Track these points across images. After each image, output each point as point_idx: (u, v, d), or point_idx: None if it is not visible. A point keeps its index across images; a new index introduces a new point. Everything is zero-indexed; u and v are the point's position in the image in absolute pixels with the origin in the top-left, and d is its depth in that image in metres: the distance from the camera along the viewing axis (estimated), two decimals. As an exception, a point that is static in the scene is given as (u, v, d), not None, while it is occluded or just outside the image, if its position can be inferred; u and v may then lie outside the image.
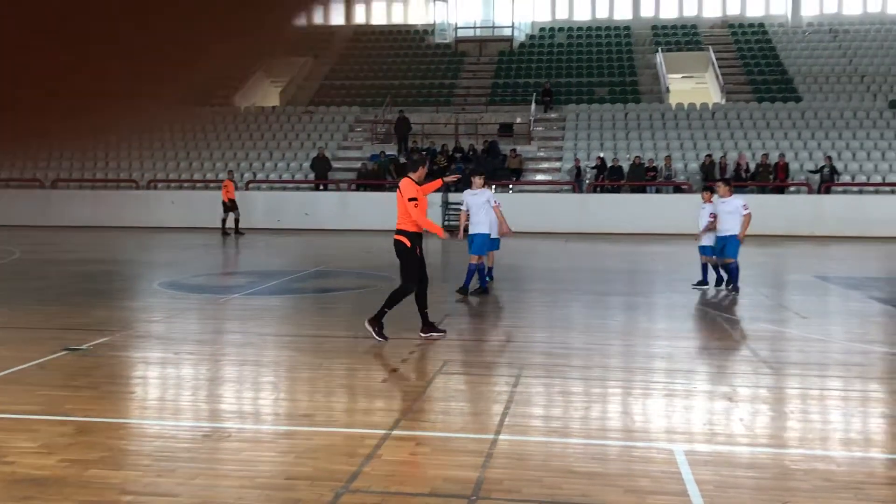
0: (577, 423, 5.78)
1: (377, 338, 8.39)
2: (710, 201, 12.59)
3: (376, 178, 27.79)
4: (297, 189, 28.59)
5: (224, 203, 23.73)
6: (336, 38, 40.32)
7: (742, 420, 5.83)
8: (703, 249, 12.62)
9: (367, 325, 8.48)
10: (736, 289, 12.07)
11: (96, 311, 10.38)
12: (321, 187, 28.42)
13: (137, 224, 27.00)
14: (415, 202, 8.43)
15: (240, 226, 23.85)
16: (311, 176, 28.64)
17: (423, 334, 8.62)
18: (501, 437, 5.30)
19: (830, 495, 4.37)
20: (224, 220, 23.77)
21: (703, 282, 12.71)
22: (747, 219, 11.88)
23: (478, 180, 11.82)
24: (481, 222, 11.51)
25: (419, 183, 8.59)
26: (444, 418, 5.82)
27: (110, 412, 5.92)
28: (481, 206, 11.52)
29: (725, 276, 12.56)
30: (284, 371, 7.32)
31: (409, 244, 8.51)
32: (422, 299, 8.70)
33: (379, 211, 26.64)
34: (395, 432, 5.36)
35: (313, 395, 6.52)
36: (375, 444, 5.10)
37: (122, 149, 31.83)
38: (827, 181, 25.34)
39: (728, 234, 11.95)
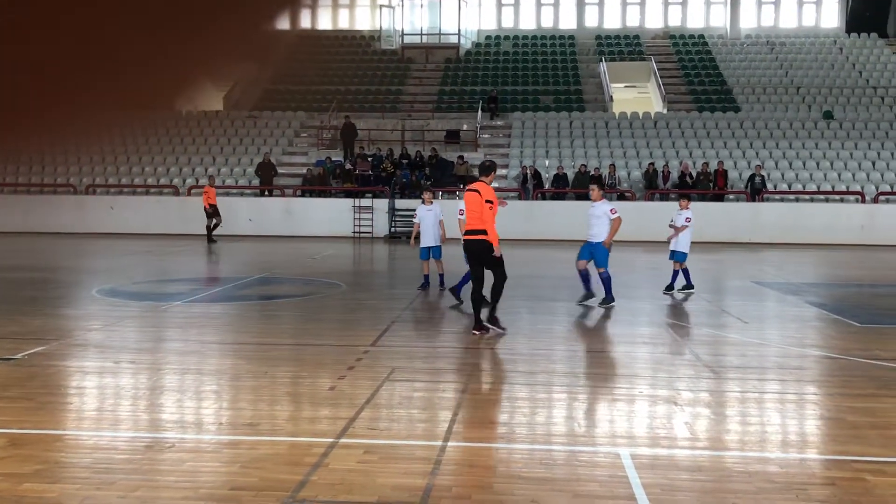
0: (525, 428, 5.78)
1: (501, 329, 9.16)
2: (687, 207, 13.01)
3: (322, 183, 27.58)
4: (241, 195, 28.19)
5: (205, 209, 23.36)
6: (280, 42, 39.82)
7: (686, 423, 5.91)
8: (675, 255, 12.97)
9: (487, 324, 9.15)
10: (607, 300, 11.39)
11: (32, 320, 10.05)
12: (266, 193, 28.08)
13: (75, 230, 26.30)
14: (490, 204, 9.06)
15: (213, 233, 23.46)
16: (256, 182, 28.28)
17: (481, 328, 9.14)
18: (450, 443, 5.28)
19: (774, 496, 4.45)
20: (209, 227, 23.45)
21: (671, 286, 13.04)
22: (616, 224, 11.32)
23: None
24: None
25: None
26: (392, 425, 5.77)
27: (46, 424, 5.72)
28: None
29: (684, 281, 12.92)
30: (228, 379, 7.18)
31: (491, 241, 9.13)
32: (481, 296, 9.28)
33: (324, 217, 26.50)
34: (342, 440, 5.30)
35: (258, 403, 6.40)
36: (322, 452, 5.03)
37: (59, 153, 30.98)
38: (759, 190, 25.98)
39: (595, 240, 11.51)
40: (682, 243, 12.84)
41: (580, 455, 5.16)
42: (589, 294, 11.72)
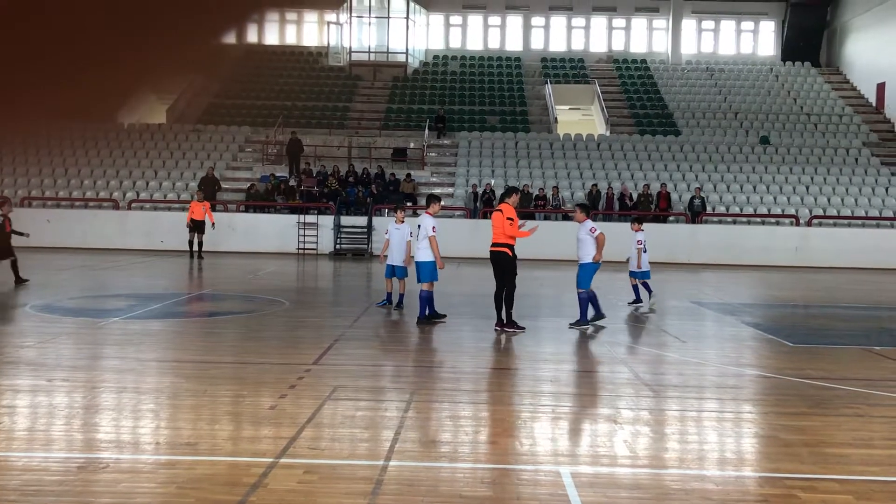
0: (466, 447, 5.80)
1: (520, 330, 10.87)
2: (640, 230, 14.41)
3: (266, 199, 27.32)
4: (183, 209, 27.72)
5: (188, 224, 22.89)
6: (227, 55, 39.46)
7: (625, 441, 5.99)
8: (639, 274, 14.29)
9: (505, 330, 10.84)
10: (580, 322, 11.44)
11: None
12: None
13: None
14: (511, 221, 10.88)
15: (202, 248, 23.02)
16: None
17: (507, 329, 10.88)
18: (392, 462, 5.26)
19: (708, 513, 4.54)
20: (191, 242, 22.98)
21: (638, 299, 14.27)
22: (600, 240, 11.39)
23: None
24: (422, 250, 11.76)
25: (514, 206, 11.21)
26: (334, 445, 5.73)
27: (-27, 444, 5.53)
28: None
29: (641, 295, 14.12)
30: (166, 398, 7.04)
31: (510, 253, 11.00)
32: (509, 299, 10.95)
33: (268, 233, 26.23)
34: (282, 460, 5.23)
35: (197, 422, 6.29)
36: (262, 472, 4.96)
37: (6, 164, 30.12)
38: (699, 212, 26.62)
39: (581, 261, 11.55)
40: (634, 262, 14.23)
41: (521, 474, 5.19)
42: (599, 315, 11.66)
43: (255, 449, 5.59)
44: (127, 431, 6.05)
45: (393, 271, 12.92)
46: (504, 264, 10.97)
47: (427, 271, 11.57)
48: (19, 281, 15.31)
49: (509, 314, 10.95)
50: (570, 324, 11.57)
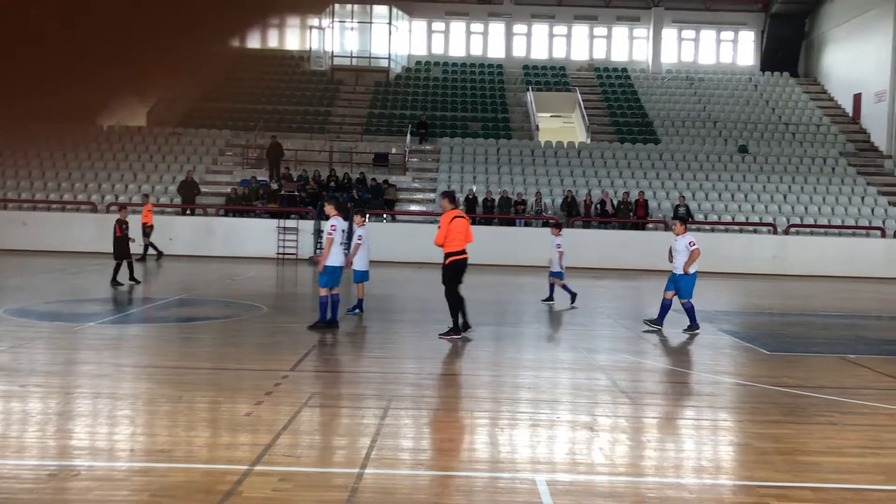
0: (443, 455, 5.79)
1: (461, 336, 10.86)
2: (559, 234, 15.36)
3: (246, 203, 27.19)
4: (162, 213, 27.54)
5: (143, 227, 22.68)
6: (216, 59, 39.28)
7: (602, 449, 6.01)
8: (556, 274, 15.26)
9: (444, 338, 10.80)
10: (692, 327, 12.13)
11: (-69, 340, 9.58)
12: (188, 212, 27.51)
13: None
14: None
15: (147, 252, 23.01)
16: (178, 200, 27.69)
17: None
18: (367, 470, 5.24)
19: (682, 522, 4.56)
20: (152, 245, 22.90)
21: (550, 298, 15.35)
22: (695, 254, 11.99)
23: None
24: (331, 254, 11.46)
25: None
26: (309, 452, 5.70)
27: (-58, 451, 5.45)
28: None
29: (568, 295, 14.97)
30: (142, 404, 6.98)
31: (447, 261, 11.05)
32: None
33: (248, 238, 26.10)
34: (257, 468, 5.20)
35: (172, 429, 6.24)
36: (236, 480, 4.93)
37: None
38: (684, 219, 26.80)
39: (678, 272, 12.10)
40: (555, 264, 15.20)
41: (497, 482, 5.19)
42: (657, 322, 12.27)
43: (231, 456, 5.55)
44: (101, 438, 5.98)
45: (363, 276, 12.98)
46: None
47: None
48: (133, 279, 16.70)
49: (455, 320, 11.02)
50: (684, 329, 12.19)
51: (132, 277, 16.74)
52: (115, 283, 16.38)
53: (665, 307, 12.29)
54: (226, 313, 12.93)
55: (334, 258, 11.33)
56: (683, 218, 13.27)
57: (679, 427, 6.90)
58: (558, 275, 15.24)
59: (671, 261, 12.40)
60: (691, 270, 12.05)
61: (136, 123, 33.96)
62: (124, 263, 16.55)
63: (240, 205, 27.21)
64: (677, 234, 12.40)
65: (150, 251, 23.31)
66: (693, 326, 12.15)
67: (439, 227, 11.00)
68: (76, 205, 27.53)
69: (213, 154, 31.44)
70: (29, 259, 22.41)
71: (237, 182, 28.76)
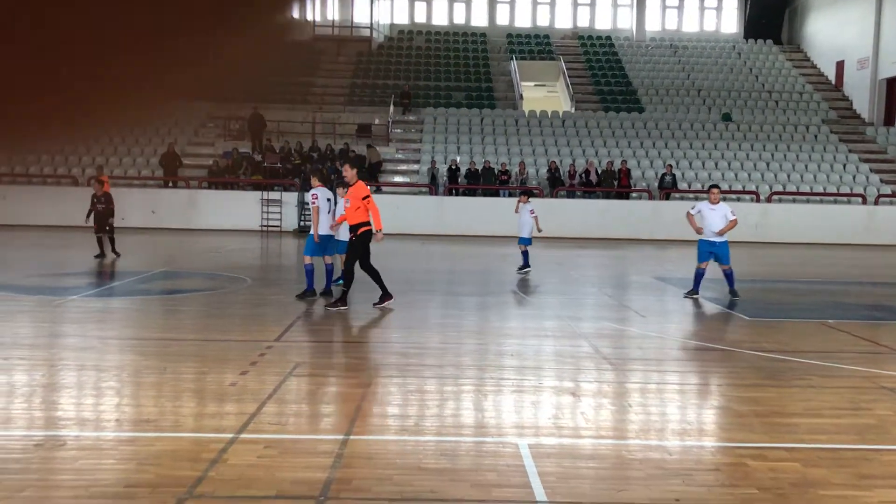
0: (428, 420, 5.86)
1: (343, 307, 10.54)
2: (528, 202, 15.84)
3: (229, 175, 27.03)
4: (145, 186, 27.36)
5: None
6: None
7: (584, 414, 6.10)
8: (523, 241, 15.59)
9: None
10: (733, 293, 12.38)
11: (-87, 315, 9.53)
12: (170, 184, 27.33)
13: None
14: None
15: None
16: (160, 172, 27.49)
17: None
18: (352, 437, 5.30)
19: (661, 482, 4.65)
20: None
21: (526, 265, 15.50)
22: (732, 223, 12.21)
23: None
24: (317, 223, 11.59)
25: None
26: (294, 420, 5.75)
27: (-73, 423, 5.46)
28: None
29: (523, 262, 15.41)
30: (127, 375, 7.00)
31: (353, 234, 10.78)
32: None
33: (230, 210, 25.99)
34: (242, 436, 5.25)
35: (158, 399, 6.27)
36: (221, 448, 4.98)
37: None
38: (668, 188, 26.93)
39: (720, 240, 12.30)
40: (525, 231, 15.52)
41: (482, 446, 5.26)
42: (695, 291, 12.44)
43: (216, 425, 5.59)
44: (87, 409, 6.01)
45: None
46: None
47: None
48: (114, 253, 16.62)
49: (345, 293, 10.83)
50: (731, 294, 12.32)
51: (113, 250, 16.70)
52: (97, 256, 16.38)
53: (700, 276, 12.48)
54: (210, 286, 12.91)
55: (319, 227, 11.37)
56: (716, 185, 13.49)
57: (660, 392, 7.00)
58: (527, 241, 15.62)
59: (700, 230, 12.47)
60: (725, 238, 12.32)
61: (115, 95, 33.52)
62: (105, 237, 16.54)
63: (222, 177, 27.05)
64: (714, 203, 12.47)
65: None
66: (734, 292, 12.36)
67: (367, 199, 10.62)
68: (56, 178, 27.28)
69: (195, 126, 31.16)
70: (9, 234, 22.23)
71: (219, 154, 28.57)
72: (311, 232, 11.53)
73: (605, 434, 5.66)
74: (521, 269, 15.64)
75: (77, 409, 6.00)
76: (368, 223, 10.67)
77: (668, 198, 26.94)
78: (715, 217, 12.34)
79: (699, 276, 12.50)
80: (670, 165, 27.79)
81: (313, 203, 11.47)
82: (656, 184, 27.52)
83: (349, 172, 11.02)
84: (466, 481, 4.58)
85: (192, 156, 29.12)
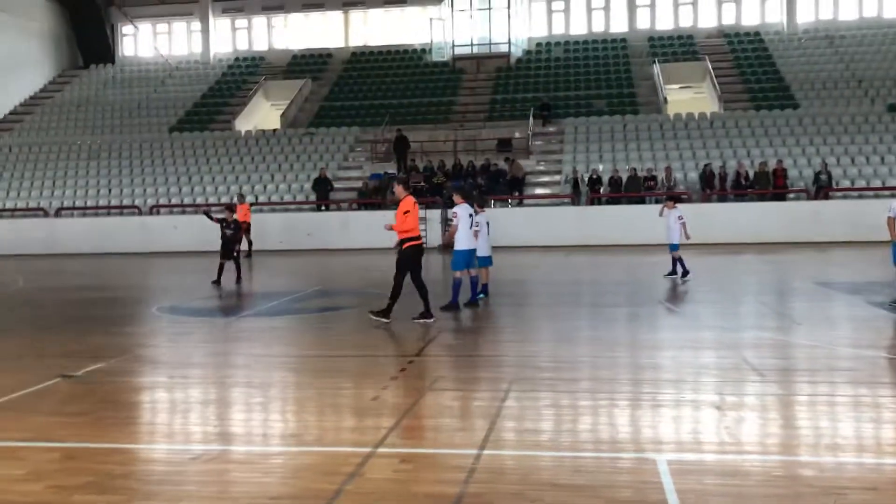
0: (563, 435, 5.79)
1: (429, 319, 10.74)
2: (676, 207, 15.61)
3: (377, 196, 27.90)
4: (300, 210, 28.72)
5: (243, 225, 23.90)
6: (334, 60, 40.61)
7: (727, 428, 5.83)
8: (673, 247, 15.46)
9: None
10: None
11: (94, 338, 10.44)
12: (323, 208, 28.55)
13: (139, 250, 27.20)
14: (407, 213, 10.94)
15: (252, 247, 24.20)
16: (313, 197, 28.78)
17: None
18: (486, 451, 5.32)
19: (810, 500, 4.37)
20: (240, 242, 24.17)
21: (674, 272, 15.32)
22: (890, 222, 11.58)
23: (457, 198, 12.57)
24: (460, 238, 11.95)
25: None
26: (431, 434, 5.84)
27: (98, 437, 5.95)
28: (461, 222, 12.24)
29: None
30: (277, 391, 7.36)
31: (405, 246, 11.14)
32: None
33: (380, 230, 26.72)
34: (380, 450, 5.39)
35: (302, 414, 6.55)
36: (359, 462, 5.13)
37: (124, 175, 32.04)
38: (825, 186, 25.33)
39: None
40: (674, 237, 15.36)
41: (617, 461, 5.14)
42: None
43: (356, 439, 5.76)
44: (239, 424, 6.36)
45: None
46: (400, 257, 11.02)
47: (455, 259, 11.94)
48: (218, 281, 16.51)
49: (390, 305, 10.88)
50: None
51: (238, 279, 16.74)
52: (214, 282, 16.31)
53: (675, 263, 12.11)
54: (358, 303, 13.36)
55: (462, 242, 11.60)
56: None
57: (814, 403, 6.58)
58: (675, 247, 15.37)
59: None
60: None
61: (270, 126, 35.53)
62: (229, 263, 16.59)
63: (371, 198, 27.96)
64: None
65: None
66: None
67: (406, 212, 10.81)
68: (220, 206, 29.09)
69: (344, 151, 32.43)
70: (180, 260, 23.94)
71: (367, 176, 29.57)
72: (456, 248, 11.78)
73: (748, 449, 5.38)
74: (669, 274, 15.42)
75: (228, 424, 6.36)
76: (414, 238, 10.87)
77: (826, 197, 25.32)
78: None
79: None
80: (825, 162, 26.10)
81: (454, 219, 11.78)
82: (814, 185, 25.93)
83: (398, 189, 11.26)
84: (601, 498, 4.49)
85: (343, 179, 30.29)
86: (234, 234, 16.69)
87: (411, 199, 11.03)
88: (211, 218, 17.27)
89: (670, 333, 10.17)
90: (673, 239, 15.30)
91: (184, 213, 29.04)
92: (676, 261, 15.26)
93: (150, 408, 7.01)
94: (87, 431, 6.06)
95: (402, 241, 10.92)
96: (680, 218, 15.25)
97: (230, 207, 17.71)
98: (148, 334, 10.87)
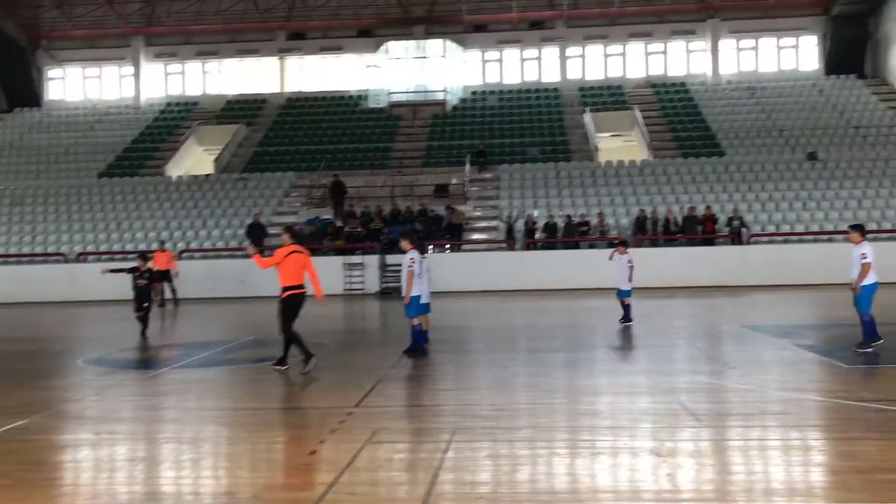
0: (502, 487, 5.72)
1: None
2: (626, 252, 15.52)
3: (312, 242, 27.65)
4: (233, 257, 28.25)
5: (164, 274, 23.34)
6: (269, 105, 40.50)
7: (669, 475, 5.85)
8: (622, 293, 15.39)
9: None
10: (865, 345, 11.23)
11: (15, 393, 9.97)
12: (257, 254, 28.09)
13: (65, 299, 26.30)
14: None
15: (176, 295, 23.83)
16: (247, 243, 28.33)
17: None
18: (427, 506, 5.22)
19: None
20: (161, 291, 23.54)
21: (628, 318, 15.26)
22: (865, 268, 11.10)
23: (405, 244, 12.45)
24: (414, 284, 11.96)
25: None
26: (370, 490, 5.71)
27: (19, 502, 5.64)
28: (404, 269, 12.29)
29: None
30: (209, 447, 7.11)
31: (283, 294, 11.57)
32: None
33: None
34: (317, 507, 5.23)
35: (235, 471, 6.34)
36: (296, 520, 4.97)
37: (49, 222, 31.11)
38: (736, 233, 26.07)
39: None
40: (624, 282, 15.35)
41: (558, 513, 5.10)
42: (868, 344, 11.27)
43: (294, 497, 5.59)
44: (168, 482, 6.11)
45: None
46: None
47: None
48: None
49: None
50: (857, 346, 11.23)
51: (143, 333, 15.47)
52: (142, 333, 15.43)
53: (870, 324, 11.27)
54: (293, 352, 13.09)
55: (416, 288, 11.82)
56: (859, 226, 11.66)
57: (747, 448, 6.67)
58: (627, 293, 15.34)
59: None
60: (864, 283, 11.12)
61: (203, 171, 35.07)
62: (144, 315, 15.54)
63: (306, 243, 27.67)
64: (856, 243, 11.36)
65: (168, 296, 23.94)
66: (866, 343, 11.20)
67: (272, 256, 11.23)
68: (151, 253, 28.39)
69: (279, 196, 32.15)
70: (106, 308, 23.19)
71: (303, 221, 29.32)
72: (411, 294, 11.77)
73: (691, 497, 5.40)
74: (623, 320, 15.31)
75: (158, 483, 6.11)
76: (300, 286, 11.38)
77: (740, 242, 26.08)
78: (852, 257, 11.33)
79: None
80: (736, 209, 26.94)
81: (410, 267, 11.70)
82: (727, 229, 26.66)
83: (284, 237, 11.59)
84: (543, 551, 4.43)
85: (278, 225, 29.94)
86: (147, 285, 15.70)
87: (290, 248, 11.26)
88: (118, 271, 16.36)
89: (607, 378, 10.25)
90: (622, 285, 15.33)
91: (112, 259, 28.23)
92: (626, 307, 15.29)
93: (73, 467, 6.68)
94: (6, 496, 5.74)
95: (285, 288, 11.23)
96: (629, 262, 15.34)
97: (143, 256, 16.53)
98: (72, 388, 10.44)
